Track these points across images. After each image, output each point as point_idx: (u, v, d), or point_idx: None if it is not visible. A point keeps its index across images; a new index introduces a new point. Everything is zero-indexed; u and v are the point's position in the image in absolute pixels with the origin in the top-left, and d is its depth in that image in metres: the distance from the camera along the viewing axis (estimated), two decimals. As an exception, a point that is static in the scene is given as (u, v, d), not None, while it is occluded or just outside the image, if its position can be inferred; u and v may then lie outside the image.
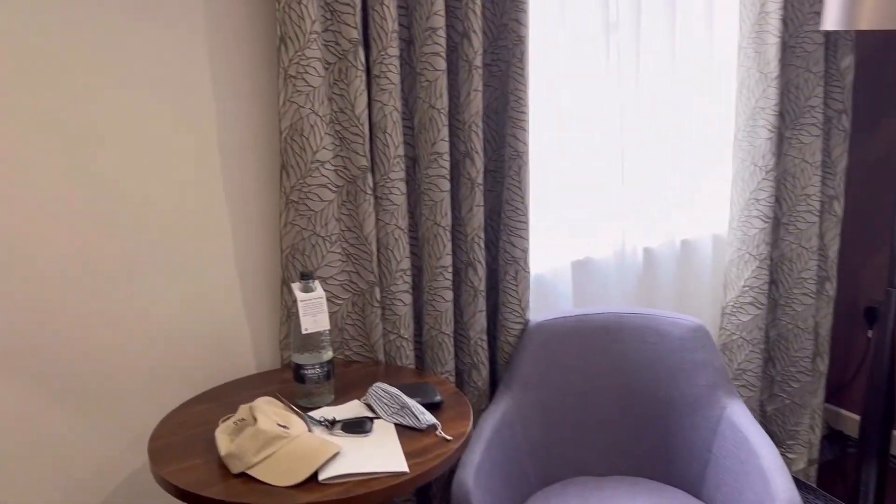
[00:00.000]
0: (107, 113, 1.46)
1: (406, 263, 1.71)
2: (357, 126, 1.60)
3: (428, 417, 1.42)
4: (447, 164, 1.68)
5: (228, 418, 1.43)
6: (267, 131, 1.64)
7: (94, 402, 1.54)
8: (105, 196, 1.48)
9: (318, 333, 1.49)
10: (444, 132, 1.65)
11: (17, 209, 1.40)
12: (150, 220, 1.54)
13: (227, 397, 1.57)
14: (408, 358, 1.75)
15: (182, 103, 1.54)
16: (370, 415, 1.46)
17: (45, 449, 1.50)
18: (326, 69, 1.58)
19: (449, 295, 1.74)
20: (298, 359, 1.49)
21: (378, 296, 1.69)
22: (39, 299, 1.45)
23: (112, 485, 1.58)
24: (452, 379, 1.80)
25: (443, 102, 1.64)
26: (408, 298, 1.72)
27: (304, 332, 1.47)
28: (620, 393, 1.82)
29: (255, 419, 1.33)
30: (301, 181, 1.60)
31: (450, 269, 1.73)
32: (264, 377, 1.67)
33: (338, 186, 1.65)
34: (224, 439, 1.33)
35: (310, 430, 1.37)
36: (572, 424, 1.82)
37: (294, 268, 1.65)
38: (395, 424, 1.43)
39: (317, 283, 1.50)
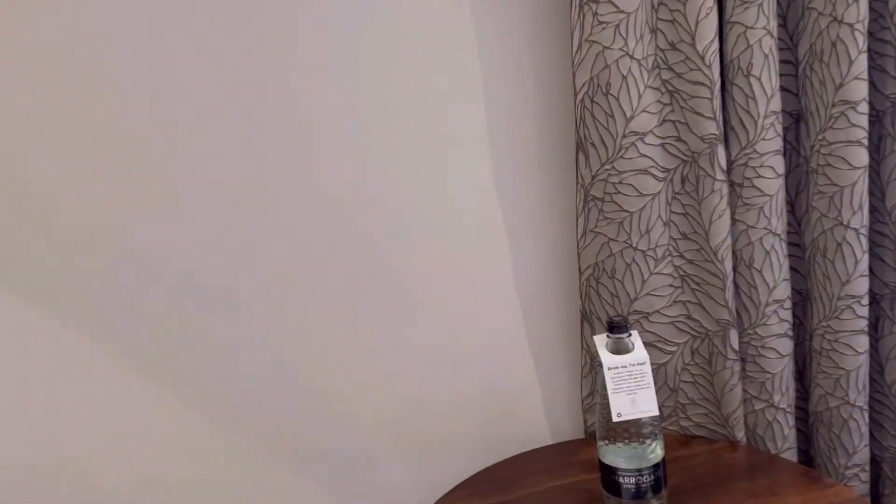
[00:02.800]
0: (324, 86, 1.01)
1: (783, 290, 1.04)
2: (701, 68, 0.96)
3: None
4: (864, 122, 0.96)
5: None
6: (554, 92, 1.08)
7: (343, 466, 1.13)
8: (328, 200, 1.04)
9: (640, 421, 0.90)
10: (861, 62, 0.94)
11: (239, 221, 1.02)
12: (394, 229, 1.07)
13: (505, 488, 1.06)
14: (786, 440, 1.09)
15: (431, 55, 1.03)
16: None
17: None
18: (646, -20, 0.97)
19: (863, 341, 1.03)
20: (607, 454, 0.92)
21: (735, 342, 1.05)
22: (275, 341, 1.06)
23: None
24: (864, 477, 1.09)
25: (858, 11, 0.93)
26: (786, 346, 1.05)
27: (615, 418, 0.89)
28: None
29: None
30: (608, 167, 1.02)
31: (865, 299, 1.02)
32: (558, 455, 1.14)
33: (666, 170, 1.03)
34: None
35: None
36: None
37: (599, 298, 1.08)
38: None
39: (635, 338, 0.91)
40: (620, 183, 1.02)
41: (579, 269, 1.09)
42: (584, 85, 1.00)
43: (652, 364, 1.09)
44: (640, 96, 0.99)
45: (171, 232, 1.01)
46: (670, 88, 1.00)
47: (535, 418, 1.20)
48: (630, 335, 0.91)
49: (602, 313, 1.09)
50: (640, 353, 0.90)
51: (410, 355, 1.12)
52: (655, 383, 1.10)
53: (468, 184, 1.08)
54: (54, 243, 0.99)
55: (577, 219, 1.07)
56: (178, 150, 0.99)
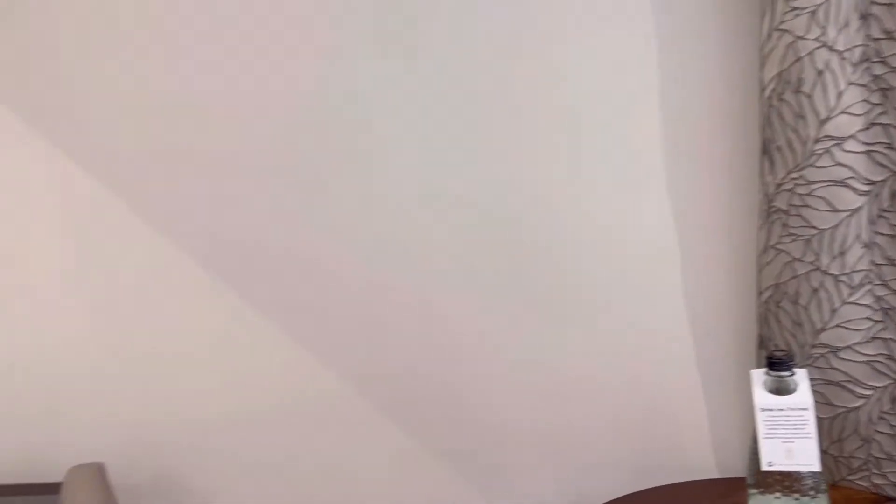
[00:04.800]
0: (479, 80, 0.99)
1: None
2: (917, 63, 0.79)
3: None
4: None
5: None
6: (739, 89, 0.96)
7: (493, 470, 1.12)
8: (491, 205, 1.02)
9: (798, 474, 0.78)
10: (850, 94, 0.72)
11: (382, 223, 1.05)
12: (559, 239, 1.03)
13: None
14: None
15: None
16: None
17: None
18: (854, -43, 0.82)
19: None
20: (759, 506, 0.81)
21: (949, 394, 0.86)
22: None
23: None
24: None
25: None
26: None
27: (765, 466, 0.78)
28: None
29: None
30: (795, 175, 0.88)
31: None
32: (723, 490, 1.02)
33: (871, 183, 0.87)
34: None
35: None
36: None
37: (779, 324, 0.95)
38: None
39: (801, 378, 0.79)
40: (809, 195, 0.88)
41: (758, 288, 0.96)
42: (771, 80, 0.87)
43: (840, 408, 0.94)
44: (839, 95, 0.84)
45: (332, 235, 1.05)
46: (883, 86, 0.84)
47: (700, 448, 1.09)
48: (793, 374, 0.78)
49: (781, 340, 0.96)
50: (803, 396, 0.77)
51: (572, 371, 1.07)
52: (843, 431, 0.95)
53: (638, 189, 1.00)
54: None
55: (757, 231, 0.95)
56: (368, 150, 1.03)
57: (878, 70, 0.84)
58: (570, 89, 0.98)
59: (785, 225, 0.91)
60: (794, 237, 0.91)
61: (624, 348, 1.06)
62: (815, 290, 0.91)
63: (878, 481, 0.96)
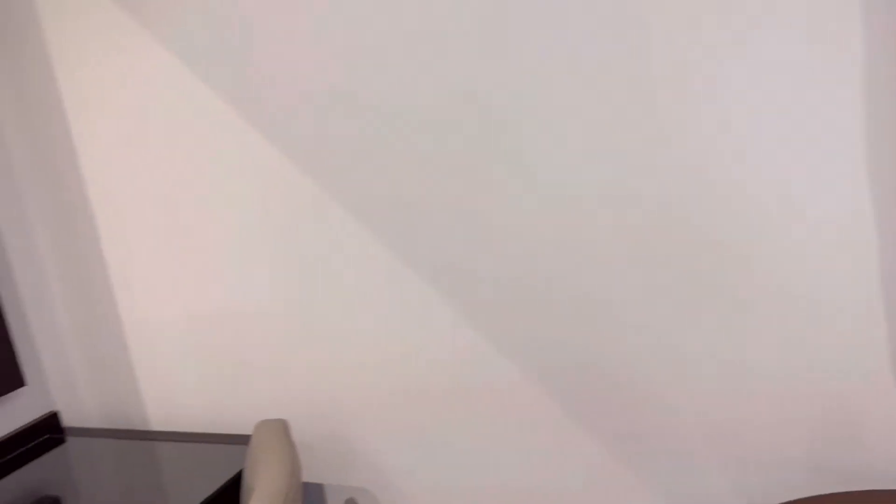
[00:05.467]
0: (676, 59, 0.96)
1: None
2: None
3: None
4: None
5: None
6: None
7: (661, 456, 1.10)
8: (679, 199, 1.00)
9: None
10: None
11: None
12: (748, 230, 0.99)
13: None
14: None
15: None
16: None
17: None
18: None
19: None
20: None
21: None
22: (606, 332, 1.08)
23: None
24: None
25: None
26: None
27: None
28: None
29: None
30: None
31: None
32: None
33: None
34: None
35: None
36: None
37: None
38: None
39: None
40: None
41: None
42: None
43: None
44: None
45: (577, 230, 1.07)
46: None
47: (890, 452, 1.01)
48: None
49: None
50: None
51: (751, 365, 1.03)
52: None
53: (836, 181, 0.94)
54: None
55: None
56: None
57: None
58: (758, 69, 0.93)
59: None
60: None
61: (806, 341, 1.00)
62: None
63: None
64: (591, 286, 1.07)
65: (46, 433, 1.45)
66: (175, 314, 1.36)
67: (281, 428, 1.12)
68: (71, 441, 1.42)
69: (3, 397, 1.38)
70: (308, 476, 1.33)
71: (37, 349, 1.45)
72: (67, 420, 1.51)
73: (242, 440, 1.30)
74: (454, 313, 1.15)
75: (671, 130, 0.98)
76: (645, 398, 1.09)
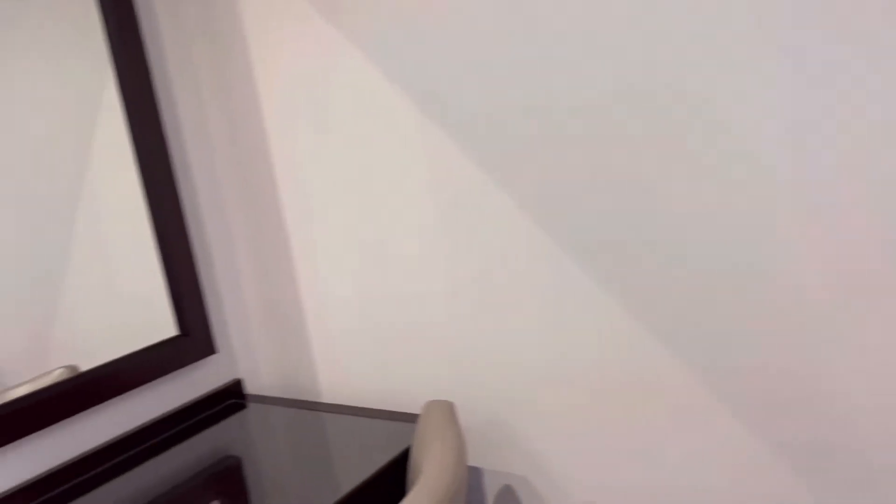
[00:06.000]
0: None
1: None
2: None
3: None
4: None
5: None
6: None
7: (850, 479, 1.06)
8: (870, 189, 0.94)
9: None
10: None
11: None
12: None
13: None
14: None
15: None
16: None
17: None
18: None
19: None
20: None
21: None
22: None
23: None
24: None
25: None
26: None
27: None
28: None
29: None
30: None
31: None
32: None
33: None
34: None
35: None
36: None
37: None
38: None
39: None
40: None
41: None
42: None
43: None
44: None
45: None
46: None
47: None
48: None
49: None
50: None
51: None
52: None
53: None
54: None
55: None
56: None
57: None
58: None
59: None
60: None
61: None
62: None
63: None
64: (780, 278, 1.03)
65: (231, 398, 1.58)
66: (351, 294, 1.44)
67: (449, 410, 1.16)
68: (252, 407, 1.54)
69: (197, 363, 1.52)
70: (468, 459, 1.37)
71: (226, 322, 1.58)
72: (249, 388, 1.63)
73: (409, 418, 1.36)
74: (623, 306, 1.14)
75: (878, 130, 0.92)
76: (831, 408, 1.04)
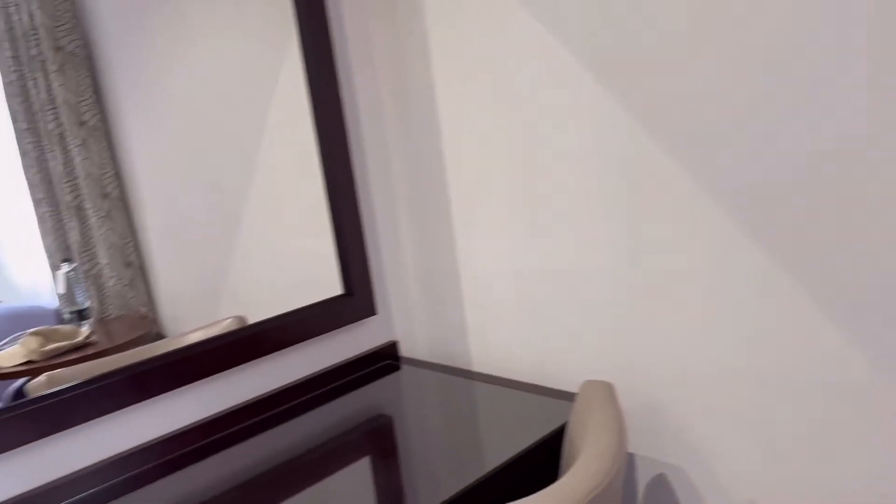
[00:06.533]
0: None
1: None
2: None
3: None
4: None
5: None
6: None
7: None
8: None
9: None
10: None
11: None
12: None
13: None
14: None
15: None
16: None
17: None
18: None
19: None
20: None
21: None
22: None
23: None
24: None
25: None
26: None
27: None
28: None
29: None
30: None
31: None
32: None
33: None
34: None
35: None
36: None
37: None
38: None
39: None
40: None
41: None
42: None
43: None
44: None
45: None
46: None
47: None
48: None
49: None
50: None
51: None
52: None
53: None
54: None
55: None
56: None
57: None
58: None
59: None
60: None
61: None
62: None
63: None
64: None
65: (387, 359, 1.63)
66: (510, 267, 1.43)
67: (609, 391, 1.12)
68: (405, 369, 1.57)
69: (358, 323, 1.57)
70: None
71: (386, 286, 1.62)
72: (403, 350, 1.67)
73: (563, 395, 1.34)
74: (809, 298, 1.06)
75: None
76: None
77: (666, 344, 1.23)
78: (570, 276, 1.33)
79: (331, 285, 1.51)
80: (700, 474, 1.24)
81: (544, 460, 1.19)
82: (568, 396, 1.33)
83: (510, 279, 1.43)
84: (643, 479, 1.32)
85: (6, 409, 1.10)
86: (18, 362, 1.14)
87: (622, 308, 1.27)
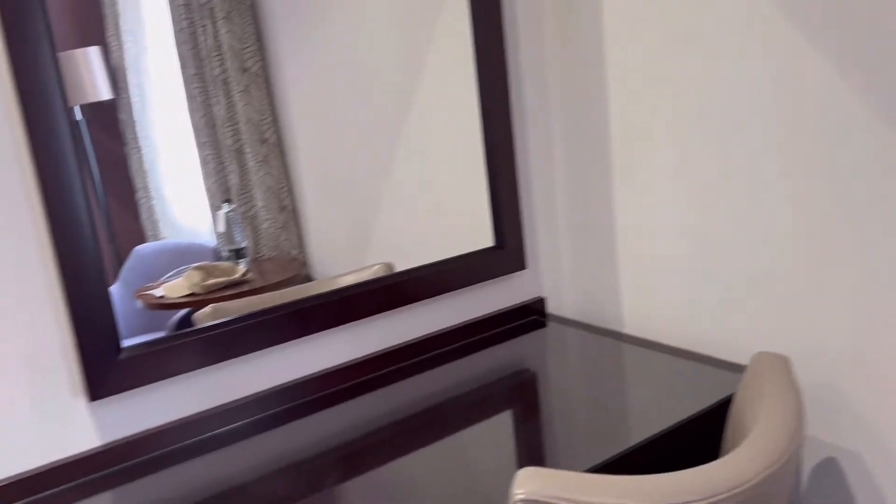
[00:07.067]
0: None
1: None
2: None
3: None
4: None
5: None
6: None
7: None
8: None
9: None
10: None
11: None
12: None
13: None
14: None
15: None
16: None
17: None
18: None
19: None
20: None
21: None
22: None
23: None
24: None
25: None
26: None
27: None
28: None
29: None
30: None
31: None
32: None
33: None
34: None
35: None
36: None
37: None
38: None
39: None
40: None
41: None
42: None
43: None
44: None
45: None
46: None
47: None
48: None
49: None
50: None
51: None
52: None
53: None
54: None
55: None
56: None
57: None
58: None
59: None
60: None
61: None
62: None
63: None
64: None
65: (534, 315, 1.59)
66: (669, 228, 1.34)
67: (785, 365, 1.03)
68: (551, 326, 1.53)
69: (507, 276, 1.54)
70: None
71: (537, 240, 1.57)
72: (551, 307, 1.62)
73: (728, 366, 1.25)
74: None
75: None
76: None
77: (850, 318, 1.11)
78: (744, 241, 1.23)
79: (484, 237, 1.48)
80: (880, 462, 1.13)
81: (704, 434, 1.12)
82: (730, 367, 1.24)
83: (673, 239, 1.34)
84: (809, 461, 1.22)
85: (182, 335, 1.16)
86: (183, 293, 1.19)
87: (800, 279, 1.16)
